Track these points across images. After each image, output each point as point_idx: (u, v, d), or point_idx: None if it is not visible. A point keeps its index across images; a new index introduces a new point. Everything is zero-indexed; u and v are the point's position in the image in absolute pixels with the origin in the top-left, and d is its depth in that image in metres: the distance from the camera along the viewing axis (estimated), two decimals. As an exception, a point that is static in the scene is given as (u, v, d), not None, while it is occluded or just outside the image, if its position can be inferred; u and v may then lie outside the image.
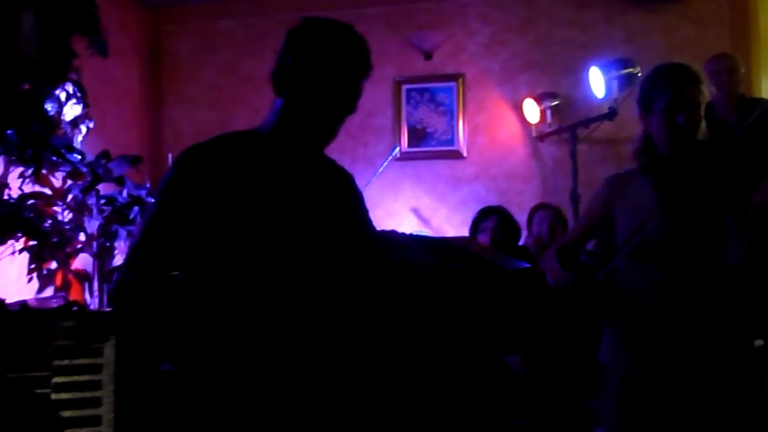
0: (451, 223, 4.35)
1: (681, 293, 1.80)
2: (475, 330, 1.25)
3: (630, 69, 3.84)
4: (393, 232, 1.33)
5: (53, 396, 0.56)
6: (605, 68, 3.91)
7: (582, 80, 4.13)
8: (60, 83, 0.76)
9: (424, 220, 4.40)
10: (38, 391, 0.56)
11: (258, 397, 1.29)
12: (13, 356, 0.55)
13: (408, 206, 4.41)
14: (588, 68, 4.02)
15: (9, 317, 0.58)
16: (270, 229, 1.36)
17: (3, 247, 2.77)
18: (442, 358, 1.23)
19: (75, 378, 0.57)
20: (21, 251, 2.91)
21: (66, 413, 0.56)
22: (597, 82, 3.97)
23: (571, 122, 4.00)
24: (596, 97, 4.01)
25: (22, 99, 0.62)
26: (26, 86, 0.60)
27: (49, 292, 3.37)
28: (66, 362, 0.57)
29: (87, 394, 0.57)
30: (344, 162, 1.65)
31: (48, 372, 0.55)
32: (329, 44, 1.37)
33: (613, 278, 1.93)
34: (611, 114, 3.80)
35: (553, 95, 4.22)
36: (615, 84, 3.88)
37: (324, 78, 1.36)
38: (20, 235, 2.81)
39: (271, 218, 1.37)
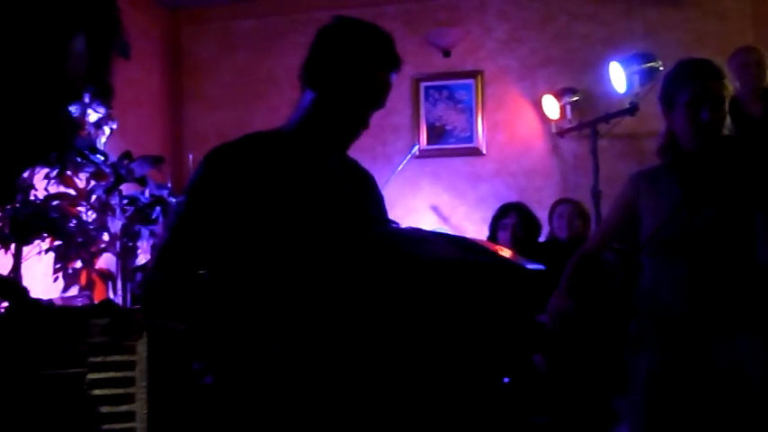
0: (471, 220, 4.34)
1: (707, 290, 1.78)
2: (502, 326, 1.24)
3: (652, 63, 3.80)
4: (417, 229, 1.34)
5: (89, 393, 0.58)
6: (626, 63, 3.87)
7: (602, 75, 4.10)
8: (107, 107, 0.77)
9: (444, 218, 4.40)
10: (74, 387, 0.57)
11: (286, 395, 1.30)
12: (49, 353, 0.57)
13: (427, 204, 4.41)
14: (608, 64, 3.99)
15: (46, 314, 0.59)
16: (299, 227, 1.37)
17: (29, 247, 2.81)
18: (469, 354, 1.23)
19: (110, 375, 0.58)
20: (47, 251, 2.95)
21: (102, 409, 0.58)
22: (618, 77, 3.93)
23: (591, 118, 3.97)
24: (617, 92, 3.97)
25: (65, 123, 0.63)
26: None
27: (73, 291, 3.42)
28: (100, 359, 0.58)
29: (121, 390, 0.58)
30: (364, 160, 1.66)
31: (83, 368, 0.57)
32: (361, 38, 1.41)
33: (634, 279, 1.91)
34: (633, 109, 3.76)
35: (573, 91, 4.18)
36: (636, 78, 3.84)
37: (356, 70, 1.39)
38: (45, 235, 2.85)
39: (300, 217, 1.38)
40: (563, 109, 4.19)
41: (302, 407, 1.29)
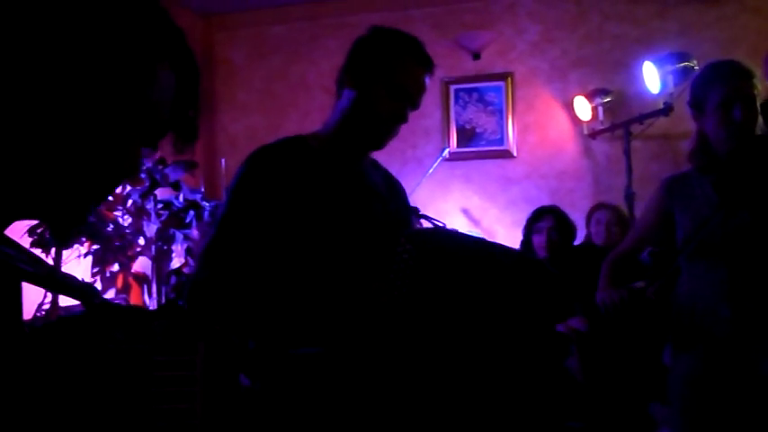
0: (502, 223, 4.31)
1: (749, 293, 1.74)
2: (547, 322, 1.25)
3: (687, 63, 3.73)
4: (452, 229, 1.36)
5: (154, 390, 0.60)
6: (660, 63, 3.81)
7: (635, 76, 4.04)
8: (190, 147, 0.79)
9: (474, 221, 4.38)
10: (139, 386, 0.60)
11: (329, 400, 1.30)
12: (116, 353, 0.59)
13: (458, 207, 4.40)
14: (641, 64, 3.92)
15: (116, 314, 0.62)
16: (337, 226, 1.40)
17: (69, 251, 2.89)
18: (517, 351, 1.24)
19: (173, 373, 0.60)
20: (85, 255, 3.03)
21: (165, 406, 0.60)
22: (651, 77, 3.87)
23: (624, 119, 3.92)
24: (650, 93, 3.91)
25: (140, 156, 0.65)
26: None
27: (110, 293, 3.50)
28: (164, 357, 0.60)
29: (184, 388, 0.60)
30: (394, 164, 1.69)
31: (147, 368, 0.59)
32: (396, 40, 1.52)
33: (671, 286, 1.88)
34: (667, 110, 3.70)
35: (605, 92, 4.13)
36: (670, 78, 3.78)
37: (394, 66, 1.48)
38: (84, 239, 2.93)
39: (338, 216, 1.41)
40: (595, 110, 4.15)
41: (344, 411, 1.30)
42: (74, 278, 0.73)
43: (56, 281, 0.69)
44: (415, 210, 1.61)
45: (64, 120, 0.62)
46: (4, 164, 0.61)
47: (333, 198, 1.44)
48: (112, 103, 0.63)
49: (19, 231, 2.74)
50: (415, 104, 1.53)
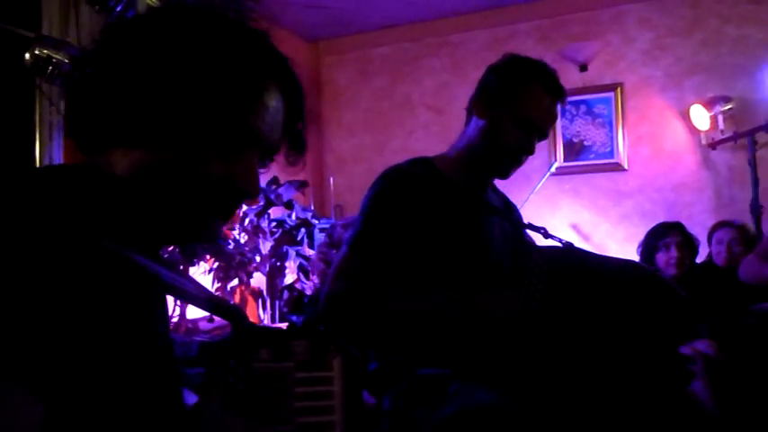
0: (614, 239, 4.16)
1: None
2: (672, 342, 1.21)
3: (818, 65, 3.46)
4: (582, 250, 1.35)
5: (296, 404, 0.65)
6: (788, 66, 3.56)
7: (759, 81, 3.79)
8: (300, 159, 0.83)
9: (584, 236, 4.25)
10: (283, 401, 0.65)
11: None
12: (262, 371, 0.65)
13: (567, 222, 4.29)
14: (765, 68, 3.68)
15: (262, 336, 0.68)
16: (465, 250, 1.43)
17: (195, 268, 3.10)
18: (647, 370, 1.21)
19: (312, 389, 0.65)
20: (209, 271, 3.22)
21: (306, 419, 0.64)
22: (778, 82, 3.62)
23: (748, 127, 3.68)
24: (778, 98, 3.65)
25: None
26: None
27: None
28: (303, 374, 0.65)
29: (323, 403, 0.64)
30: (501, 180, 1.69)
31: (290, 384, 0.64)
32: (528, 68, 1.50)
33: None
34: (797, 116, 3.44)
35: (725, 99, 3.90)
36: (800, 82, 3.52)
37: (519, 103, 1.47)
38: (208, 257, 3.12)
39: (466, 241, 1.44)
40: (714, 119, 3.92)
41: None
42: (226, 301, 0.80)
43: (213, 303, 0.76)
44: (543, 230, 1.58)
45: (194, 149, 0.68)
46: (150, 193, 0.68)
47: (460, 223, 1.47)
48: (231, 129, 0.70)
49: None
50: (543, 134, 1.51)
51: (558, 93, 1.50)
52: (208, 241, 0.72)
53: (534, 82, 1.48)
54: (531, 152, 1.51)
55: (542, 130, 1.50)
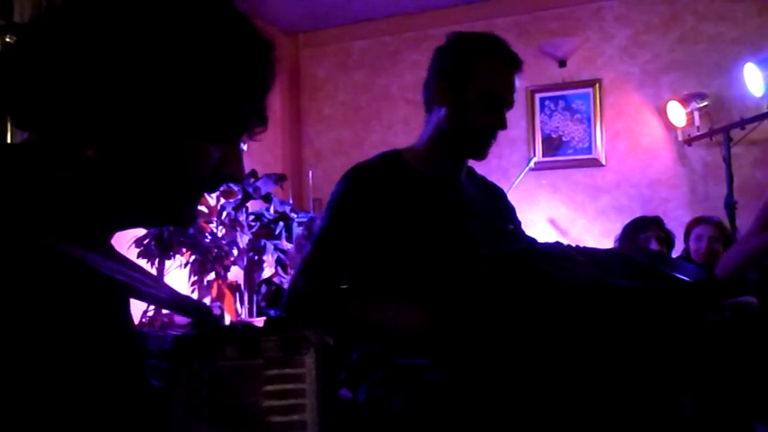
0: (591, 234, 4.19)
1: None
2: (643, 354, 1.17)
3: (792, 63, 3.51)
4: (557, 244, 1.31)
5: (265, 403, 0.62)
6: (763, 64, 3.61)
7: (734, 78, 3.84)
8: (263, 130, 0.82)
9: (562, 231, 4.28)
10: (251, 400, 0.63)
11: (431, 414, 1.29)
12: (229, 370, 0.63)
13: (545, 217, 4.31)
14: (741, 65, 3.73)
15: (226, 332, 0.66)
16: (435, 244, 1.40)
17: (171, 261, 3.05)
18: (604, 379, 1.18)
19: (283, 387, 0.62)
20: (185, 265, 3.18)
21: (276, 419, 0.62)
22: (754, 79, 3.66)
23: (723, 124, 3.72)
24: (752, 96, 3.70)
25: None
26: None
27: (206, 301, 3.65)
28: (273, 371, 0.62)
29: (294, 401, 0.62)
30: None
31: (259, 381, 0.61)
32: (477, 43, 1.46)
33: None
34: (772, 113, 3.49)
35: (701, 96, 3.94)
36: (774, 80, 3.57)
37: (481, 73, 1.43)
38: (185, 250, 3.08)
39: (436, 233, 1.41)
40: (690, 115, 3.96)
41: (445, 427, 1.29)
42: (190, 298, 0.78)
43: (175, 302, 0.74)
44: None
45: (164, 123, 0.65)
46: (118, 172, 0.65)
47: (429, 215, 1.44)
48: (230, 115, 0.68)
49: (126, 242, 2.92)
50: (509, 105, 1.48)
51: (516, 62, 1.47)
52: (188, 224, 0.70)
53: (490, 55, 1.45)
54: (504, 126, 1.48)
55: (508, 101, 1.48)
